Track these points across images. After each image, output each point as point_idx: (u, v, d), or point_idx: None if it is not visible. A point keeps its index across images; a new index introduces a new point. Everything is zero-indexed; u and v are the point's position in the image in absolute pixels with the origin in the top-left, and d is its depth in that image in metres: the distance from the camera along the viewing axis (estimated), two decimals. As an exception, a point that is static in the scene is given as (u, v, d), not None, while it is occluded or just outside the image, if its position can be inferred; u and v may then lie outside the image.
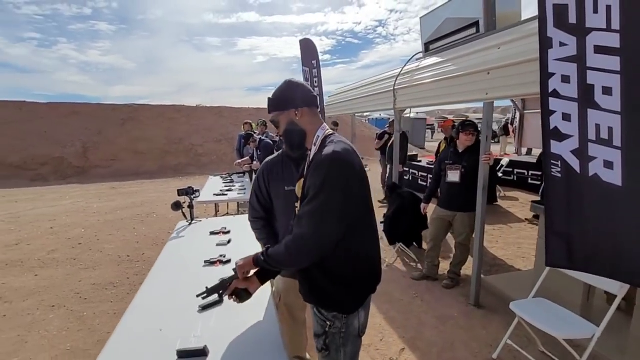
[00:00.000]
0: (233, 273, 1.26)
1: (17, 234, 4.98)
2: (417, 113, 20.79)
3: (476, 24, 3.00)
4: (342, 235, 1.07)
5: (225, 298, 1.32)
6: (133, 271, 3.62)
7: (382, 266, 1.29)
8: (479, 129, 3.09)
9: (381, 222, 3.79)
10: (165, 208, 6.28)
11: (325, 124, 1.21)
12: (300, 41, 6.31)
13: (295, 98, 1.18)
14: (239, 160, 5.40)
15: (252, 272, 1.27)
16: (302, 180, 1.19)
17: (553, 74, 1.49)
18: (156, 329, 1.36)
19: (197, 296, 1.32)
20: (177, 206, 2.73)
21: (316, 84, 6.43)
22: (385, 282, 3.27)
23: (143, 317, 1.46)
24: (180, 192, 2.90)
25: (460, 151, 2.99)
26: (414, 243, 4.02)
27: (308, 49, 6.29)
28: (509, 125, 12.02)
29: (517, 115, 8.43)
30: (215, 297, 1.53)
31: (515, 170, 7.44)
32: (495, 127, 21.51)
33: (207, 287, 1.32)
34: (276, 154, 1.70)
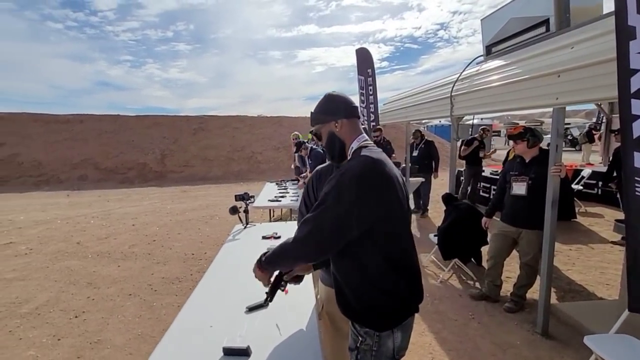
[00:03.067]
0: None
1: (107, 229, 5.79)
2: (482, 119, 19.27)
3: (546, 22, 2.73)
4: (344, 245, 1.07)
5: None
6: (196, 268, 3.96)
7: (422, 285, 1.21)
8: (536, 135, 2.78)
9: (434, 235, 3.60)
10: (227, 212, 6.77)
11: (364, 134, 1.22)
12: (357, 50, 6.39)
13: (334, 110, 1.22)
14: (302, 176, 5.55)
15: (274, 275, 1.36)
16: None
17: (636, 71, 1.29)
18: (207, 325, 1.48)
19: (266, 302, 1.44)
20: (234, 210, 2.93)
21: (371, 92, 6.42)
22: (439, 299, 3.10)
23: (197, 313, 1.60)
24: (237, 197, 3.11)
25: (527, 161, 2.72)
26: (472, 259, 3.74)
27: (364, 57, 6.34)
28: (593, 131, 10.52)
29: (604, 119, 7.36)
30: (261, 301, 1.63)
31: (600, 183, 6.49)
32: (576, 132, 18.96)
33: (266, 293, 1.40)
34: (327, 162, 1.75)
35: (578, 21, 2.53)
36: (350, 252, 1.10)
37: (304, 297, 1.75)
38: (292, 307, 1.64)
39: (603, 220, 5.46)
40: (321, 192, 1.10)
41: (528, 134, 2.64)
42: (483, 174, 6.62)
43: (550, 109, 2.36)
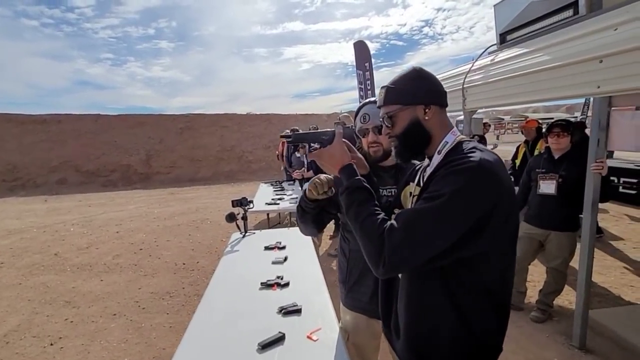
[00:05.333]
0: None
1: (88, 237, 5.35)
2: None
3: (574, 4, 2.50)
4: (448, 264, 0.78)
5: None
6: (188, 280, 3.61)
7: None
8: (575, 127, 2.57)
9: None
10: (219, 215, 6.40)
11: (455, 128, 0.92)
12: (355, 44, 6.10)
13: (426, 91, 0.89)
14: (297, 171, 5.18)
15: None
16: (406, 187, 0.95)
17: None
18: (212, 372, 1.17)
19: (282, 136, 1.21)
20: (231, 218, 2.61)
21: (369, 87, 6.15)
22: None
23: (198, 352, 1.28)
24: (235, 203, 2.79)
25: (556, 157, 2.49)
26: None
27: (362, 51, 6.05)
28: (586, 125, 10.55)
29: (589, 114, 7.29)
30: (276, 334, 1.33)
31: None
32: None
33: (293, 131, 1.26)
34: None
35: (610, 3, 2.31)
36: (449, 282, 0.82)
37: (326, 323, 1.45)
38: (312, 340, 1.35)
39: (609, 216, 5.37)
40: (432, 186, 0.79)
41: (572, 127, 2.41)
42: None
43: (533, 105, 2.13)
